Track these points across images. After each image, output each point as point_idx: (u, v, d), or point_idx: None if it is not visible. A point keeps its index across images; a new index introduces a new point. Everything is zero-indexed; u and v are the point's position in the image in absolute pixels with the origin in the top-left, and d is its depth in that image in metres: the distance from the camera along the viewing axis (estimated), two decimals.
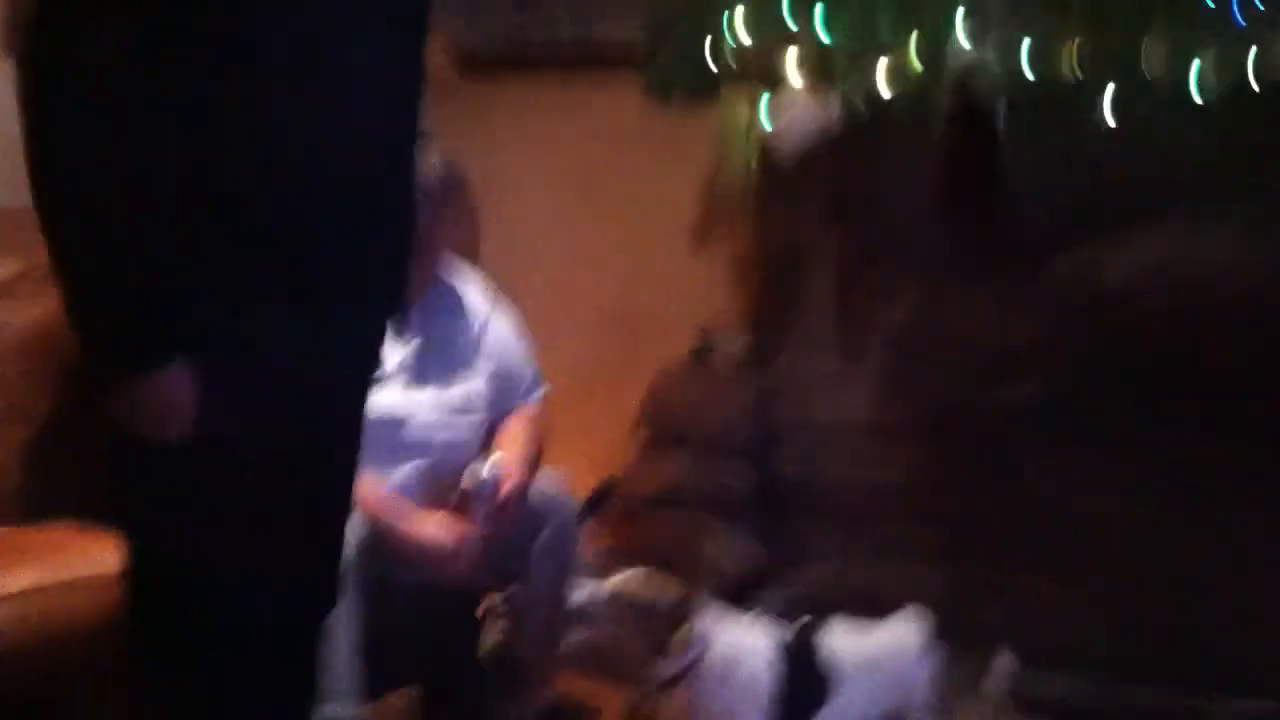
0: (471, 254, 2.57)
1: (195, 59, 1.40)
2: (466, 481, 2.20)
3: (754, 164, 2.73)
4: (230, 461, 1.45)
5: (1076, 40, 2.25)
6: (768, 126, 2.54)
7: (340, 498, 1.64)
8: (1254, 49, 2.15)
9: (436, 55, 3.12)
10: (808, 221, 2.68)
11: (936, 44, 2.34)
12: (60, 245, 1.40)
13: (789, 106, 2.52)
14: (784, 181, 2.70)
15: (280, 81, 1.42)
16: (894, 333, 2.65)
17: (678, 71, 2.61)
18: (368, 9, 1.49)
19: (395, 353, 2.23)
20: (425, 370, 2.30)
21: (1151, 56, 2.20)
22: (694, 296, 2.91)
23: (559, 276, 3.25)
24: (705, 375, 2.92)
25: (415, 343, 2.28)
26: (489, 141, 3.35)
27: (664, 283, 3.04)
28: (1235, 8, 2.18)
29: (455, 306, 2.38)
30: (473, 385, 2.34)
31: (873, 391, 2.69)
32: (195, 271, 1.41)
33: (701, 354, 2.92)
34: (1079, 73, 2.27)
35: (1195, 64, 2.15)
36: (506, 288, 3.22)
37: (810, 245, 2.67)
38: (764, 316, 2.84)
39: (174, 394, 1.42)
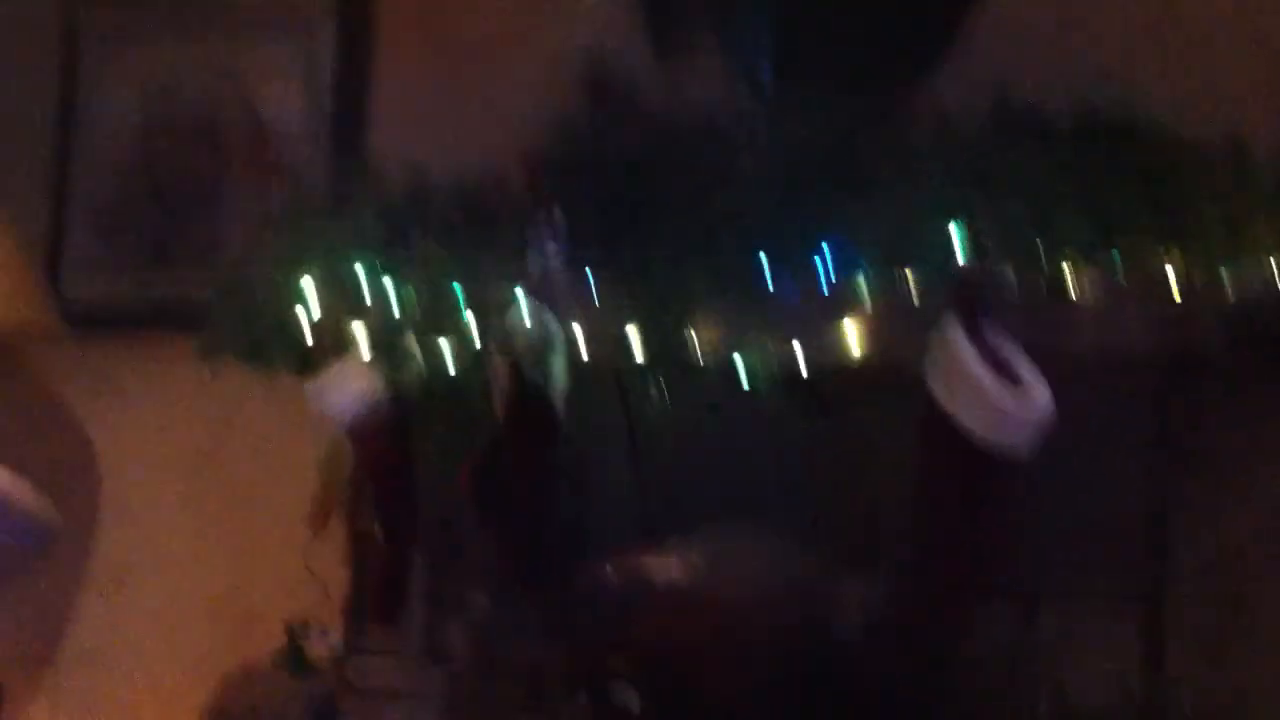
0: None
1: None
2: None
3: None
4: None
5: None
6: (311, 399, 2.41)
7: None
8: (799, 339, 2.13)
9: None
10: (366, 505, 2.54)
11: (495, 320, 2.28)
12: None
13: (337, 379, 2.39)
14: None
15: None
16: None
17: (230, 337, 2.48)
18: None
19: None
20: None
21: (702, 343, 2.18)
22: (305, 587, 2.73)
23: (173, 561, 3.16)
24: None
25: None
26: (117, 406, 3.24)
27: (275, 573, 2.91)
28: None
29: None
30: None
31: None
32: None
33: (290, 652, 2.70)
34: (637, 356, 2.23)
35: (739, 355, 2.13)
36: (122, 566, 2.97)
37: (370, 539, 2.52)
38: (355, 611, 2.67)
39: None
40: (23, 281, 3.01)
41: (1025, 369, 1.98)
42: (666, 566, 2.13)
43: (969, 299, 2.00)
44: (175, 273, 3.16)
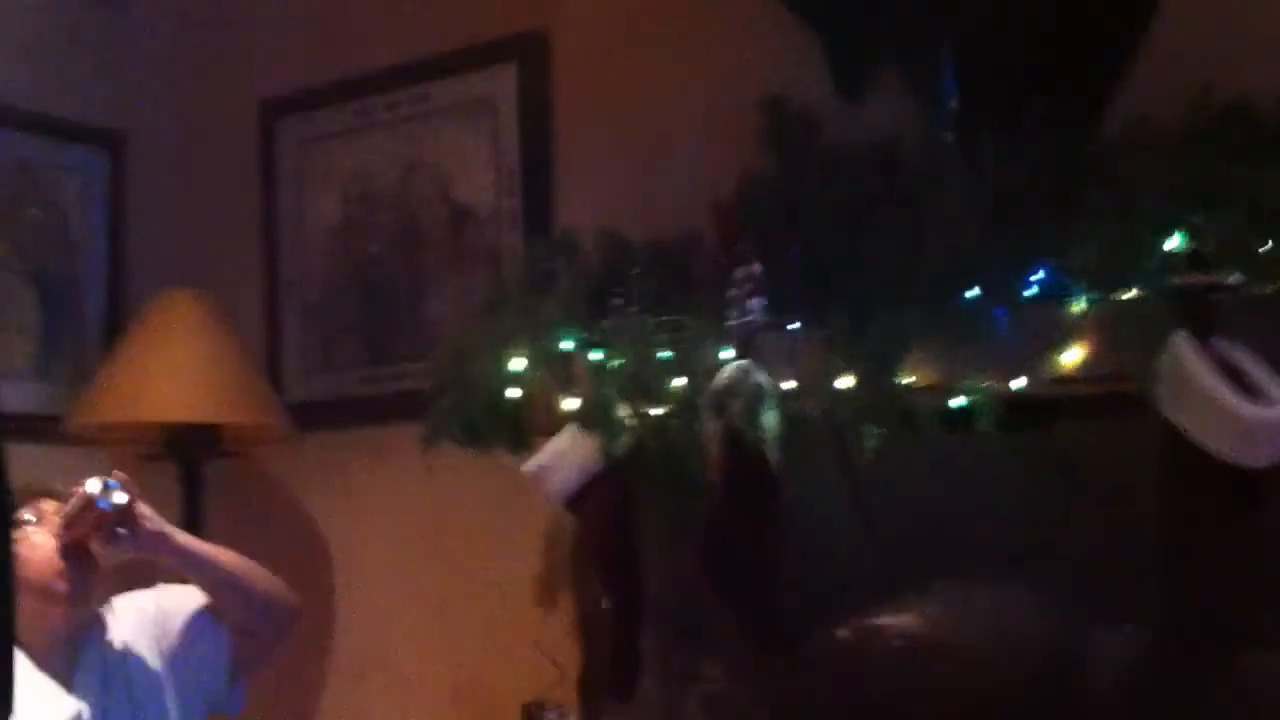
0: None
1: None
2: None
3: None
4: None
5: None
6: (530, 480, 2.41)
7: None
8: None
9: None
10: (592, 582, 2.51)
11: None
12: None
13: (553, 457, 2.39)
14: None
15: None
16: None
17: (449, 424, 2.50)
18: None
19: None
20: None
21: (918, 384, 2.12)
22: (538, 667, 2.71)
23: (411, 649, 3.17)
24: None
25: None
26: (347, 499, 3.28)
27: (509, 654, 2.90)
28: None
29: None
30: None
31: None
32: None
33: None
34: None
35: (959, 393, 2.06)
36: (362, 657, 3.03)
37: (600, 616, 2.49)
38: (592, 688, 2.64)
39: None
40: (251, 389, 3.10)
41: (1268, 379, 1.88)
42: (904, 623, 2.06)
43: (1195, 314, 1.91)
44: (391, 367, 3.21)
